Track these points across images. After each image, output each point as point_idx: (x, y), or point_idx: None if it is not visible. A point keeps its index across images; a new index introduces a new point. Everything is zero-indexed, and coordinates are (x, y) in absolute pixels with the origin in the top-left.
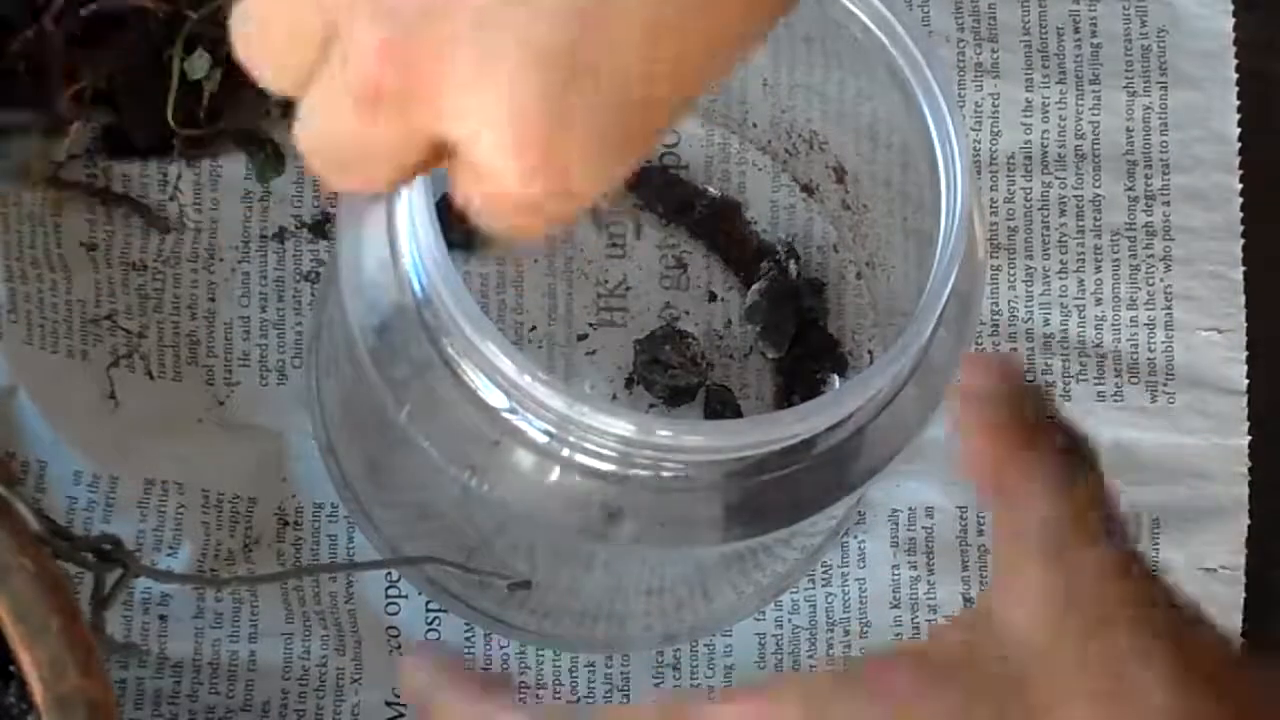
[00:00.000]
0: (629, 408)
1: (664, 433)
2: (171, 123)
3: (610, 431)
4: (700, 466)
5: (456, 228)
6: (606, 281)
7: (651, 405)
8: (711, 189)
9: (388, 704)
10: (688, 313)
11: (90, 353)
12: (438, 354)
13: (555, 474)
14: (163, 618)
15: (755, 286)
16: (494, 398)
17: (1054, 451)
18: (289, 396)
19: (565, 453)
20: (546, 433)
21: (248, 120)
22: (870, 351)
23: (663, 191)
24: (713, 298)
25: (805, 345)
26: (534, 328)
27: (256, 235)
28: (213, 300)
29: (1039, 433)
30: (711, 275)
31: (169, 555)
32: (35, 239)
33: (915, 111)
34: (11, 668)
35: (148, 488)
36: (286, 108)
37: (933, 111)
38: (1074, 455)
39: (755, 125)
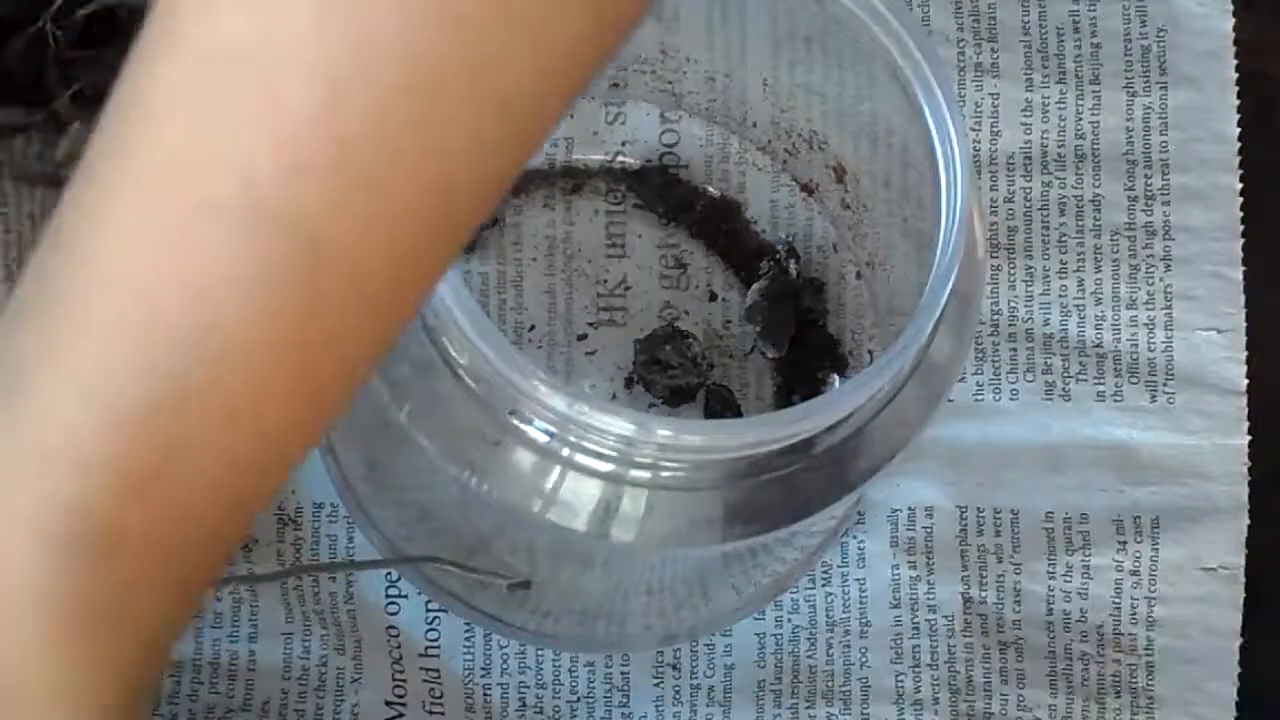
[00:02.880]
0: (629, 407)
1: (664, 432)
2: None
3: (610, 431)
4: (700, 466)
5: None
6: (606, 281)
7: (651, 405)
8: (711, 189)
9: (387, 704)
10: (687, 313)
11: None
12: (438, 354)
13: (555, 474)
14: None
15: (755, 286)
16: (494, 398)
17: None
18: None
19: (565, 452)
20: (547, 432)
21: None
22: (870, 352)
23: (663, 191)
24: (713, 297)
25: (805, 345)
26: (533, 327)
27: None
28: None
29: None
30: (711, 275)
31: None
32: (36, 239)
33: (915, 111)
34: None
35: None
36: None
37: (933, 111)
38: None
39: (755, 125)
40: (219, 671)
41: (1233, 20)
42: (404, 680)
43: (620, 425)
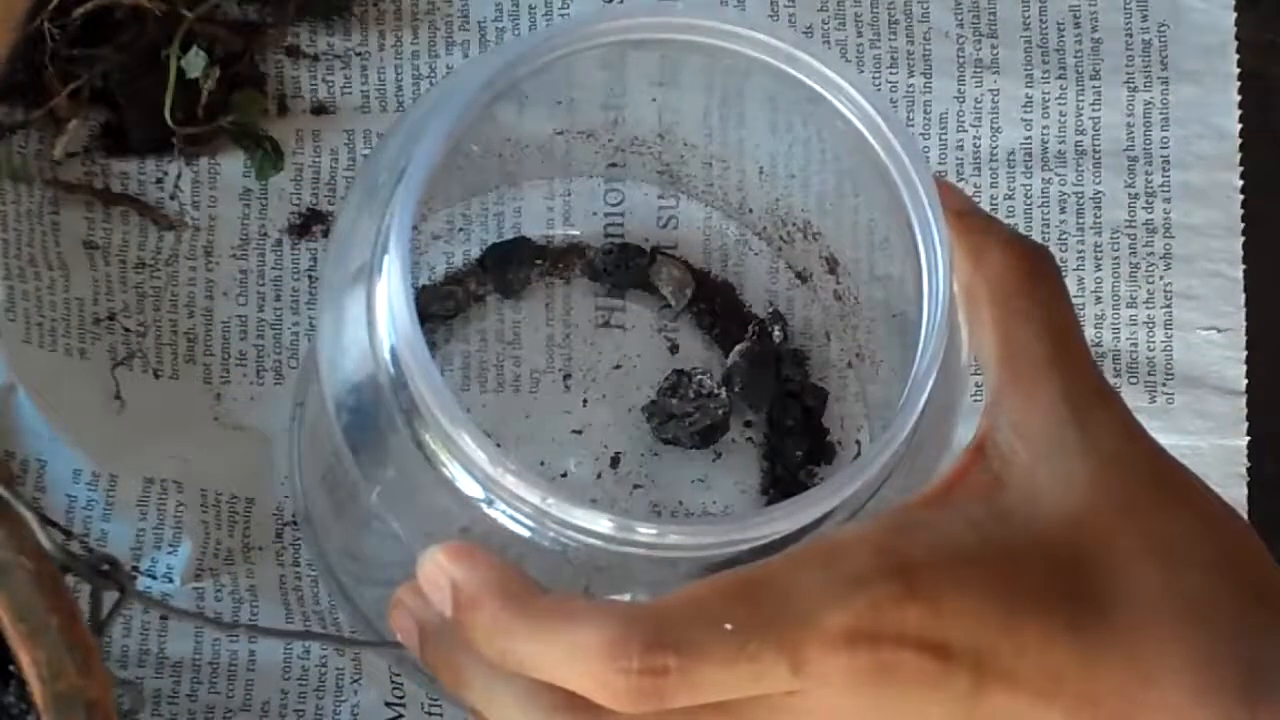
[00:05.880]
0: (607, 503)
1: (644, 531)
2: (169, 121)
3: (587, 528)
4: (673, 563)
5: (437, 306)
6: (599, 361)
7: (689, 449)
8: (707, 270)
9: (387, 704)
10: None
11: (89, 351)
12: (413, 439)
13: (530, 561)
14: (163, 617)
15: (736, 348)
16: (469, 487)
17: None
18: (285, 397)
19: (545, 544)
20: (523, 524)
21: (246, 118)
22: (858, 442)
23: (656, 271)
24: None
25: (793, 434)
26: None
27: (255, 233)
28: (210, 299)
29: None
30: (706, 360)
31: (169, 553)
32: (34, 237)
33: (899, 208)
34: (11, 668)
35: (147, 486)
36: (283, 105)
37: (916, 212)
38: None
39: (751, 211)
40: (219, 672)
41: (1234, 15)
42: (403, 680)
43: (598, 523)
